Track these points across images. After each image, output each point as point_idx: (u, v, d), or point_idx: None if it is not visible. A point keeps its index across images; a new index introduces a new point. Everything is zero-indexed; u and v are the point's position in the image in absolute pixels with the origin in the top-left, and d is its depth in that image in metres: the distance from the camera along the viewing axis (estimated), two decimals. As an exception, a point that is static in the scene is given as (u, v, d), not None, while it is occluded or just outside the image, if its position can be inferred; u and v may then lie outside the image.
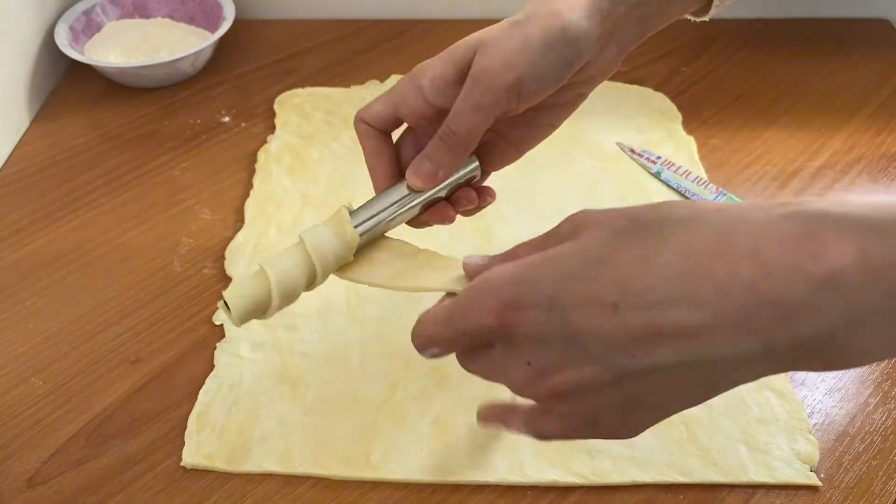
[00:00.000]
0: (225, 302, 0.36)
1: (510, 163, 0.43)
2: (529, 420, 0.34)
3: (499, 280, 0.31)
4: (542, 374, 0.30)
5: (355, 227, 0.37)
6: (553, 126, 0.42)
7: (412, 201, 0.39)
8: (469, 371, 0.34)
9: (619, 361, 0.29)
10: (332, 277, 0.38)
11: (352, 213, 0.38)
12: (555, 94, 0.38)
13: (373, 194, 0.39)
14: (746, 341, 0.27)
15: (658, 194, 0.56)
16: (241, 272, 0.52)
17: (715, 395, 0.30)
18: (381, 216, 0.38)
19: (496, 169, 0.42)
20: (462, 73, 0.37)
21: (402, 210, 0.39)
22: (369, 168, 0.40)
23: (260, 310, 0.37)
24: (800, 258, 0.26)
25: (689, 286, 0.27)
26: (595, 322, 0.28)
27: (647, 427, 0.32)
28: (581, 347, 0.29)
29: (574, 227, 0.31)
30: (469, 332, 0.32)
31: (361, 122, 0.39)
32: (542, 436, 0.34)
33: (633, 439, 0.42)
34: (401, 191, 0.38)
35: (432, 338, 0.34)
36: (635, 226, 0.29)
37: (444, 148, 0.37)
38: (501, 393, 0.45)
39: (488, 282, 0.31)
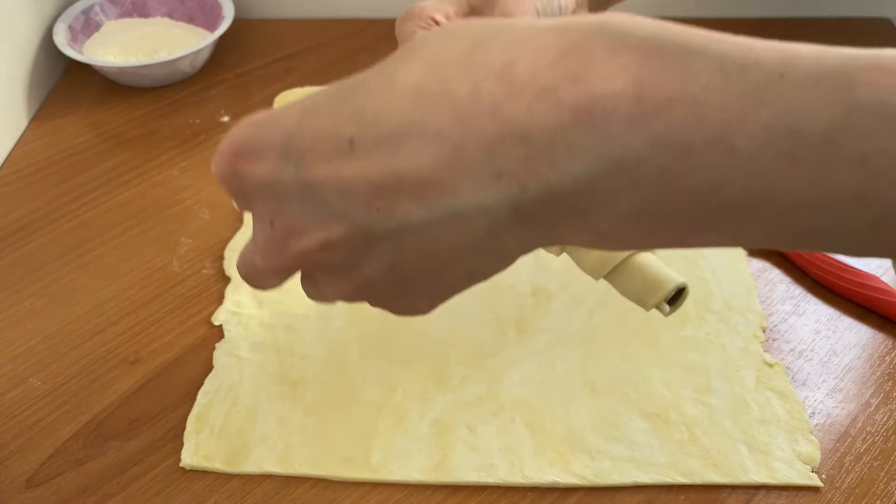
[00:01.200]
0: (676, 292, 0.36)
1: None
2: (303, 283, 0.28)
3: (244, 120, 0.25)
4: (287, 237, 0.25)
5: None
6: None
7: None
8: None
9: (364, 219, 0.23)
10: None
11: None
12: None
13: None
14: (489, 188, 0.22)
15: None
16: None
17: (497, 266, 0.25)
18: None
19: None
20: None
21: None
22: None
23: None
24: (556, 79, 0.21)
25: (426, 109, 0.22)
26: (330, 167, 0.23)
27: (439, 302, 0.27)
28: (321, 201, 0.24)
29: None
30: (221, 180, 0.26)
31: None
32: (320, 299, 0.28)
33: (633, 439, 0.42)
34: None
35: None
36: (416, 41, 0.23)
37: None
38: (501, 392, 0.45)
39: (238, 125, 0.26)
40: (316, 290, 0.28)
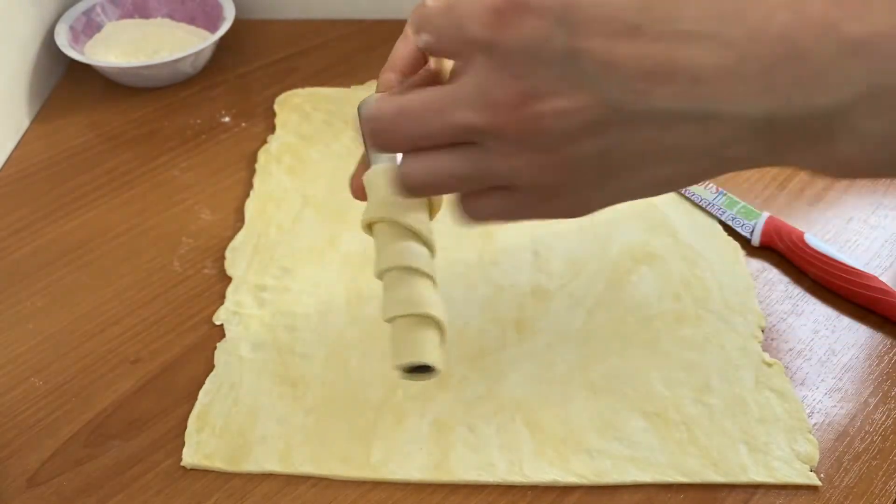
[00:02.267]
0: (415, 368, 0.34)
1: None
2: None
3: None
4: (529, 96, 0.26)
5: None
6: None
7: None
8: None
9: (617, 96, 0.26)
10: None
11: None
12: None
13: None
14: (757, 99, 0.25)
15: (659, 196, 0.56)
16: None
17: (696, 177, 0.28)
18: None
19: None
20: None
21: None
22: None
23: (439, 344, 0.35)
24: (841, 16, 0.24)
25: (720, 22, 0.25)
26: (606, 44, 0.25)
27: (601, 205, 0.29)
28: (580, 71, 0.26)
29: None
30: (461, 25, 0.27)
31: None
32: (477, 213, 0.30)
33: (632, 439, 0.42)
34: None
35: (426, 17, 0.30)
36: None
37: None
38: (501, 392, 0.45)
39: None
40: (495, 171, 0.28)
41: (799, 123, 0.25)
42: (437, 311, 0.34)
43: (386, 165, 0.36)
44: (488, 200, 0.30)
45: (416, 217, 0.35)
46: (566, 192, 0.29)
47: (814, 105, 0.25)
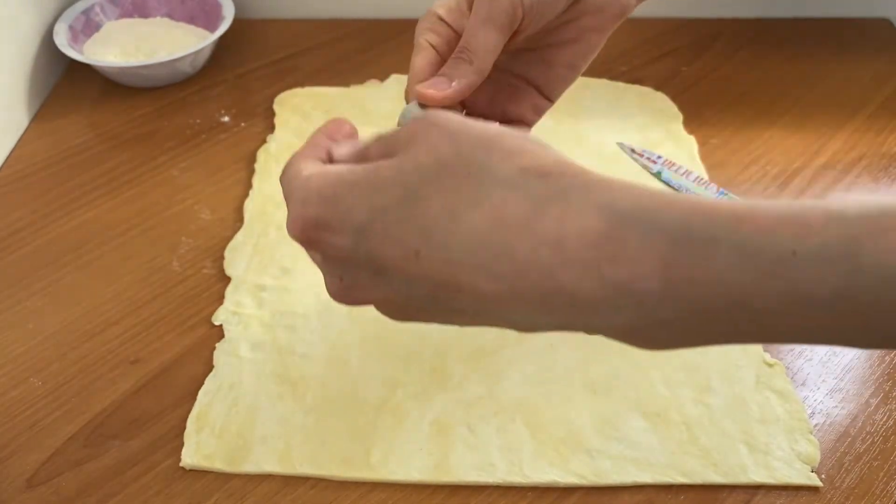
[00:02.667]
0: None
1: (542, 112, 0.43)
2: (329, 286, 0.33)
3: (314, 191, 0.30)
4: (353, 289, 0.31)
5: None
6: (574, 68, 0.42)
7: None
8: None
9: (424, 296, 0.29)
10: None
11: None
12: (567, 27, 0.39)
13: None
14: (542, 317, 0.27)
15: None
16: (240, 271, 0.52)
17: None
18: None
19: (530, 121, 0.43)
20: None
21: None
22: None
23: None
24: (598, 258, 0.26)
25: (489, 256, 0.27)
26: (399, 264, 0.29)
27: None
28: (387, 279, 0.30)
29: (411, 136, 0.30)
30: (297, 240, 0.32)
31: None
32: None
33: (633, 439, 0.42)
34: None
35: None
36: (458, 165, 0.28)
37: (458, 63, 0.37)
38: (501, 392, 0.45)
39: (306, 189, 0.30)
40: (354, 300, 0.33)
41: (592, 331, 0.28)
42: None
43: None
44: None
45: None
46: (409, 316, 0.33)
47: (595, 327, 0.28)
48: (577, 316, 0.27)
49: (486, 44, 0.37)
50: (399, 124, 0.39)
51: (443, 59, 0.39)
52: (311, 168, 0.31)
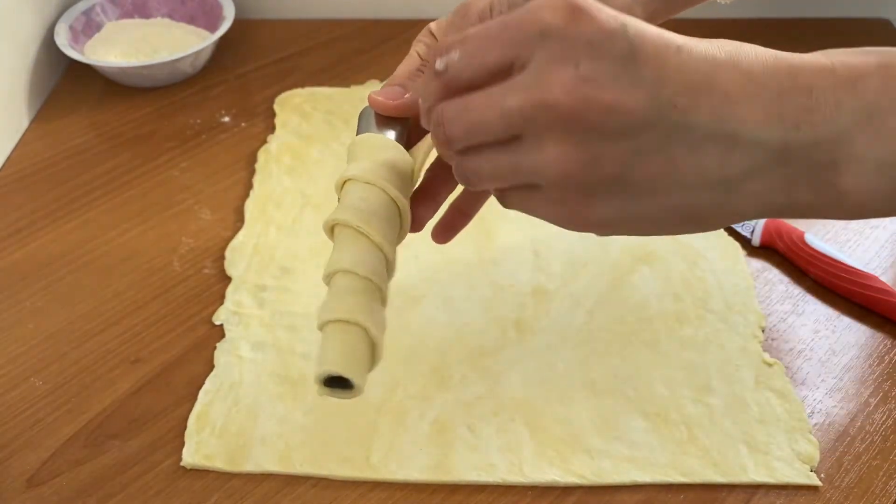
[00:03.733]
0: (335, 382, 0.32)
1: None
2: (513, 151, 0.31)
3: None
4: (588, 81, 0.28)
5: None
6: None
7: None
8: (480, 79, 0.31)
9: (664, 104, 0.28)
10: None
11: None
12: None
13: None
14: (772, 125, 0.29)
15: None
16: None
17: (718, 219, 0.31)
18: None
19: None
20: None
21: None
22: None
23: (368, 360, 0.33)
24: (832, 63, 0.29)
25: (742, 58, 0.29)
26: (659, 56, 0.28)
27: (601, 223, 0.31)
28: (636, 74, 0.28)
29: None
30: (521, 28, 0.29)
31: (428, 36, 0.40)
32: (504, 202, 0.33)
33: (632, 439, 0.42)
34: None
35: (469, 35, 0.30)
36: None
37: (418, 75, 0.38)
38: (501, 392, 0.45)
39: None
40: (527, 156, 0.30)
41: (808, 154, 0.29)
42: (375, 327, 0.32)
43: (367, 164, 0.36)
44: (515, 193, 0.32)
45: (383, 231, 0.34)
46: (578, 198, 0.30)
47: (819, 134, 0.29)
48: (806, 120, 0.29)
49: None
50: (358, 128, 0.39)
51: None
52: None
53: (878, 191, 0.30)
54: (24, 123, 0.66)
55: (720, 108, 0.28)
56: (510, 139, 0.30)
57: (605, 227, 0.32)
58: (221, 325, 0.49)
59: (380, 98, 0.38)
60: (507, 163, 0.31)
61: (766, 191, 0.30)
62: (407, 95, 0.37)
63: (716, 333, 0.48)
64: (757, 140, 0.29)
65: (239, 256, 0.53)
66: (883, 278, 0.50)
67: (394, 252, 0.35)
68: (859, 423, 0.44)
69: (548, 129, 0.29)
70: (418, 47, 0.40)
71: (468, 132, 0.31)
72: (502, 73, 0.30)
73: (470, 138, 0.31)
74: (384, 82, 0.40)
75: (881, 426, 0.44)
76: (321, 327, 0.33)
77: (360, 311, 0.32)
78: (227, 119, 0.66)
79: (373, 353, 0.33)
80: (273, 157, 0.61)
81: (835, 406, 0.45)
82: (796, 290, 0.51)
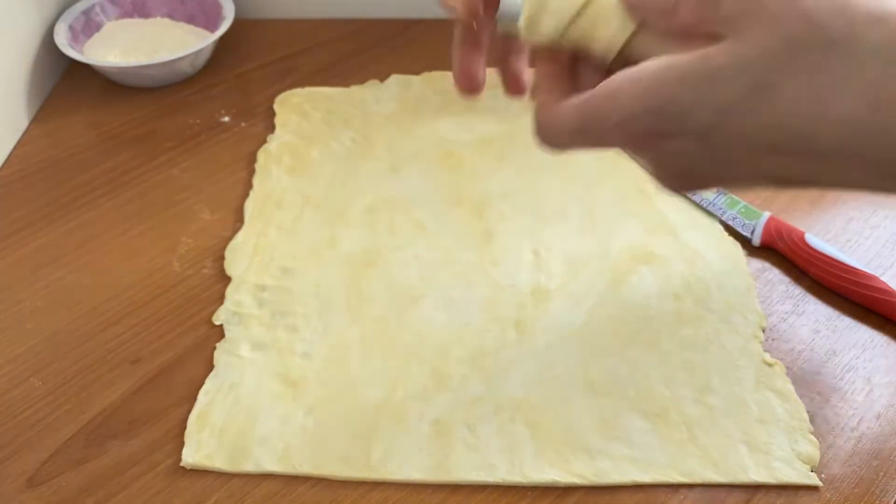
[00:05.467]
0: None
1: None
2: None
3: (630, 99, 0.27)
4: (690, 181, 0.30)
5: None
6: None
7: None
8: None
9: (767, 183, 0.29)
10: None
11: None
12: None
13: None
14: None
15: (658, 195, 0.56)
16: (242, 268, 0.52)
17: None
18: None
19: None
20: None
21: None
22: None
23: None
24: None
25: (865, 142, 0.25)
26: (747, 158, 0.27)
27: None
28: (725, 165, 0.28)
29: (738, 12, 0.26)
30: (599, 145, 0.30)
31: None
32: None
33: (633, 439, 0.42)
34: None
35: (555, 140, 0.31)
36: (814, 37, 0.25)
37: None
38: (501, 392, 0.45)
39: (618, 101, 0.27)
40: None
41: None
42: None
43: None
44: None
45: None
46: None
47: None
48: None
49: None
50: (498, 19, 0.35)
51: None
52: (612, 87, 0.28)
53: None
54: (24, 123, 0.66)
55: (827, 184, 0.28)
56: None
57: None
58: (221, 326, 0.49)
59: None
60: None
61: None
62: None
63: (716, 333, 0.48)
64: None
65: (239, 256, 0.53)
66: (883, 278, 0.50)
67: None
68: (860, 424, 0.44)
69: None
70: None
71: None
72: None
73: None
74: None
75: (881, 426, 0.44)
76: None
77: None
78: (226, 119, 0.66)
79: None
80: (273, 157, 0.61)
81: (835, 406, 0.45)
82: (797, 290, 0.51)
